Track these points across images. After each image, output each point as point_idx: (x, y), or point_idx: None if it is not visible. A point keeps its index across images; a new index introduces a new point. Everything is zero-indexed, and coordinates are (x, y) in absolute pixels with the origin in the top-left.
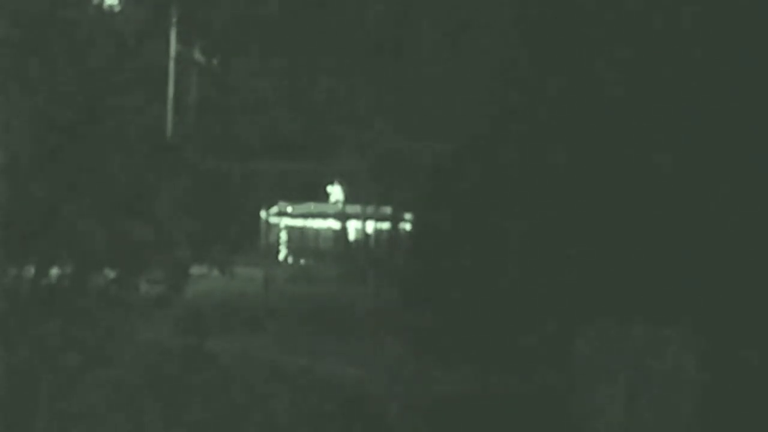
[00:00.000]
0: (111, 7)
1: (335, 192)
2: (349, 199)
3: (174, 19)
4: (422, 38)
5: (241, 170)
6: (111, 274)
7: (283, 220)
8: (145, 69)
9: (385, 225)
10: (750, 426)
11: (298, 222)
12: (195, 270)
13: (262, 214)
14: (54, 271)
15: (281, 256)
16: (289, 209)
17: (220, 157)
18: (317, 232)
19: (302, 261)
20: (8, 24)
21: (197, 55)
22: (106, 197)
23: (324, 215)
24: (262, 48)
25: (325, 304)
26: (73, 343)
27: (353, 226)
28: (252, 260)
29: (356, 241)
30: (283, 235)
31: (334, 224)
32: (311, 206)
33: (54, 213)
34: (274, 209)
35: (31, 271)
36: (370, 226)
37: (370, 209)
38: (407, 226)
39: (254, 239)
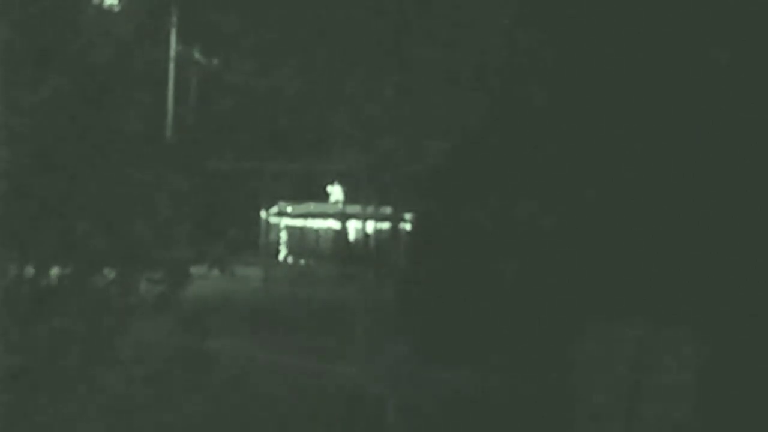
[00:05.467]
0: (111, 7)
1: (335, 192)
2: (349, 199)
3: (174, 19)
4: (422, 37)
5: (241, 170)
6: (111, 274)
7: (283, 220)
8: (145, 69)
9: (385, 225)
10: (751, 426)
11: (298, 222)
12: (195, 270)
13: (262, 214)
14: (54, 271)
15: (281, 256)
16: (289, 209)
17: (220, 157)
18: (317, 232)
19: (302, 261)
20: (7, 24)
21: (197, 55)
22: (106, 197)
23: (324, 215)
24: (262, 48)
25: (325, 304)
26: (73, 344)
27: (353, 226)
28: (252, 260)
29: (356, 241)
30: (283, 235)
31: (334, 224)
32: (311, 206)
33: (54, 213)
34: (274, 209)
35: (31, 271)
36: (370, 226)
37: (370, 209)
38: (407, 226)
39: (254, 239)
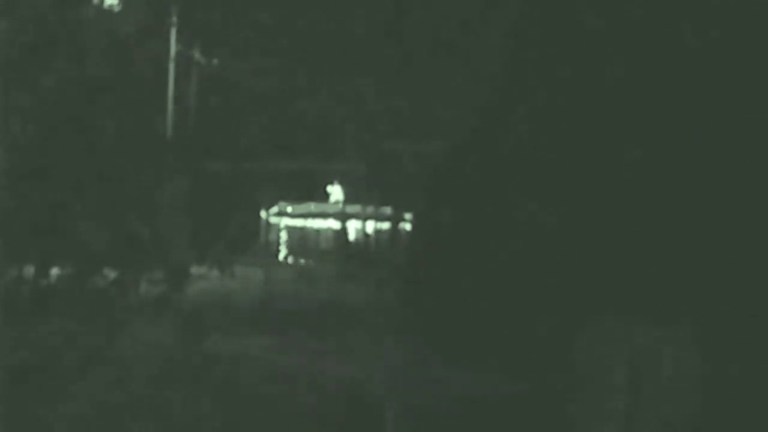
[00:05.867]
0: (111, 7)
1: (335, 192)
2: (349, 199)
3: (174, 19)
4: (422, 38)
5: (241, 170)
6: (111, 274)
7: (283, 220)
8: (145, 69)
9: (385, 225)
10: (751, 426)
11: (298, 222)
12: (195, 270)
13: (262, 214)
14: (54, 271)
15: (281, 256)
16: (289, 209)
17: (220, 157)
18: (317, 232)
19: (302, 261)
20: (8, 24)
21: (197, 55)
22: (106, 197)
23: (324, 215)
24: (262, 48)
25: (325, 304)
26: (73, 343)
27: (353, 226)
28: (252, 260)
29: (356, 241)
30: (283, 235)
31: (334, 224)
32: (311, 206)
33: (54, 213)
34: (274, 209)
35: (31, 271)
36: (370, 226)
37: (370, 209)
38: (407, 226)
39: (254, 239)
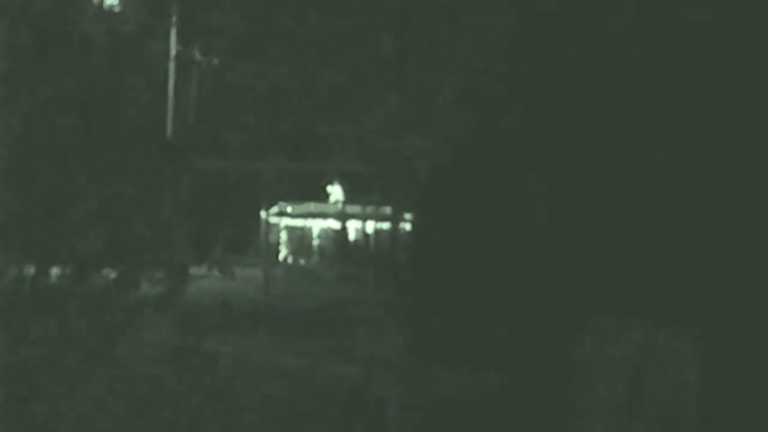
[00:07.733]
0: (111, 7)
1: (335, 192)
2: (349, 199)
3: (174, 19)
4: (422, 38)
5: (241, 170)
6: (111, 274)
7: (283, 220)
8: (145, 69)
9: (385, 225)
10: (750, 427)
11: (298, 222)
12: (195, 270)
13: (262, 214)
14: (54, 271)
15: (281, 256)
16: (289, 209)
17: (220, 157)
18: (317, 232)
19: (302, 261)
20: (8, 24)
21: (197, 55)
22: (106, 197)
23: (324, 215)
24: (262, 48)
25: (325, 304)
26: (73, 343)
27: (353, 226)
28: (252, 260)
29: (356, 241)
30: (283, 235)
31: (334, 224)
32: (311, 206)
33: (54, 213)
34: (274, 209)
35: (31, 271)
36: (370, 226)
37: (370, 209)
38: (407, 226)
39: (254, 239)
